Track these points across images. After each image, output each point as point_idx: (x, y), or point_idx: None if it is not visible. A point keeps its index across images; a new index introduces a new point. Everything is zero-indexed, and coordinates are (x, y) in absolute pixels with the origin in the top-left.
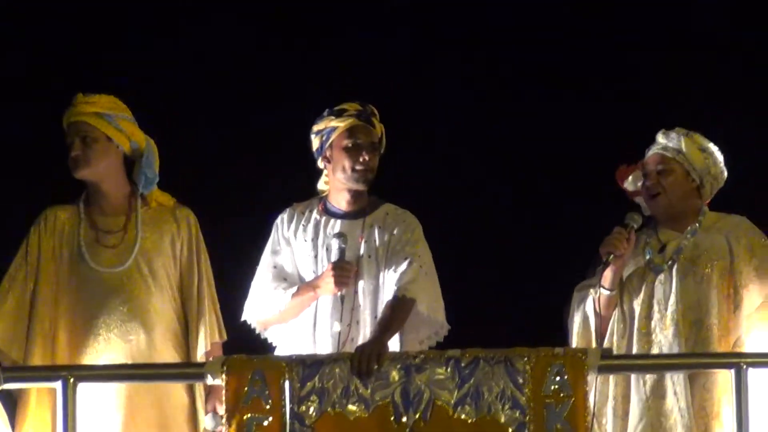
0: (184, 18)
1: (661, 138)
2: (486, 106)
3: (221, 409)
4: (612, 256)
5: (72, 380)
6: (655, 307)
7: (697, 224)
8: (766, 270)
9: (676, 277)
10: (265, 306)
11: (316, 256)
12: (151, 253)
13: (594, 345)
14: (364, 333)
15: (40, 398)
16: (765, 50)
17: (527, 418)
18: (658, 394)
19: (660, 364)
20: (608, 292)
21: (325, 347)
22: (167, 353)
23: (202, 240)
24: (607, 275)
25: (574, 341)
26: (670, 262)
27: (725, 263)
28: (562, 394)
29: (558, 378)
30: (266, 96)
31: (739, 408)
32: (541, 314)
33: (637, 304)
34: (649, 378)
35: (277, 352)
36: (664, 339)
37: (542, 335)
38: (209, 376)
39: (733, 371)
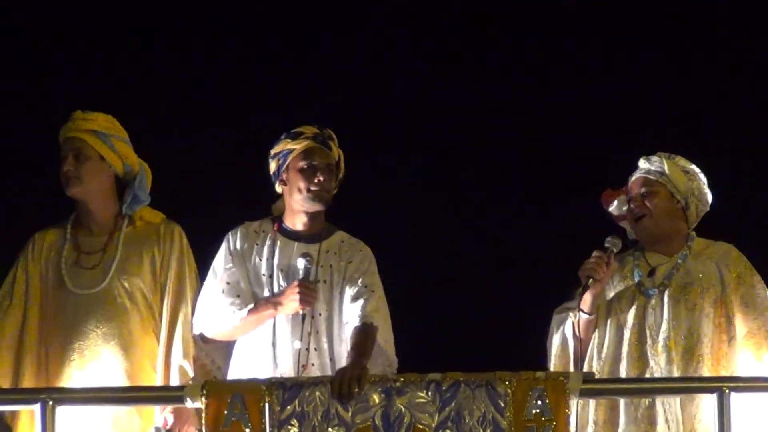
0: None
1: (643, 163)
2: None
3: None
4: (591, 280)
5: (51, 403)
6: (647, 332)
7: (687, 250)
8: (751, 300)
9: (668, 303)
10: (216, 321)
11: (271, 276)
12: (130, 273)
13: (572, 367)
14: (323, 359)
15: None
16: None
17: None
18: (649, 421)
19: (641, 389)
20: (587, 316)
21: (285, 366)
22: (145, 376)
23: (188, 253)
24: (586, 299)
25: (553, 363)
26: (661, 287)
27: (717, 292)
28: (543, 418)
29: (539, 402)
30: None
31: None
32: (520, 339)
33: (627, 328)
34: (642, 404)
35: (233, 373)
36: (656, 365)
37: (523, 360)
38: (188, 399)
39: (715, 395)
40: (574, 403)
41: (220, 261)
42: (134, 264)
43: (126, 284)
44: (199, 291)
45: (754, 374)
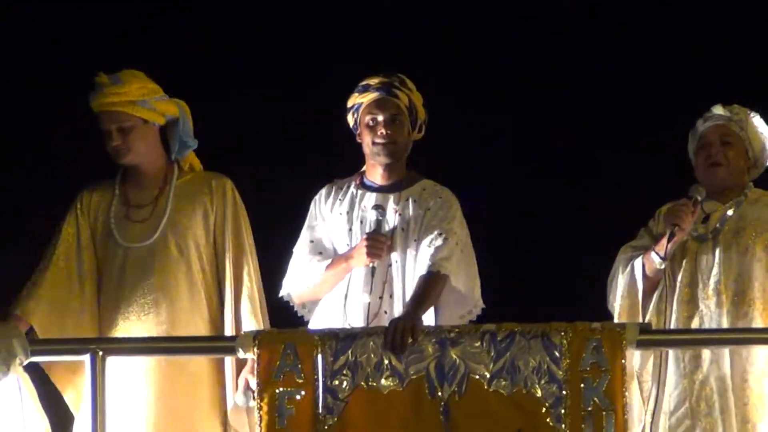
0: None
1: (722, 111)
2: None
3: (253, 384)
4: (677, 227)
5: (101, 353)
6: (699, 277)
7: (743, 197)
8: None
9: (720, 247)
10: (300, 279)
11: (350, 229)
12: (181, 226)
13: (640, 308)
14: (396, 306)
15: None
16: None
17: (564, 392)
18: (695, 362)
19: (698, 339)
20: (662, 261)
21: (356, 319)
22: (194, 328)
23: (241, 208)
24: (663, 244)
25: (618, 303)
26: (713, 232)
27: None
28: (600, 369)
29: (596, 353)
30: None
31: None
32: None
33: (680, 272)
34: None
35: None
36: (705, 309)
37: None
38: (240, 350)
39: None
40: (631, 355)
41: (307, 221)
42: (186, 216)
43: (177, 237)
44: (253, 246)
45: None
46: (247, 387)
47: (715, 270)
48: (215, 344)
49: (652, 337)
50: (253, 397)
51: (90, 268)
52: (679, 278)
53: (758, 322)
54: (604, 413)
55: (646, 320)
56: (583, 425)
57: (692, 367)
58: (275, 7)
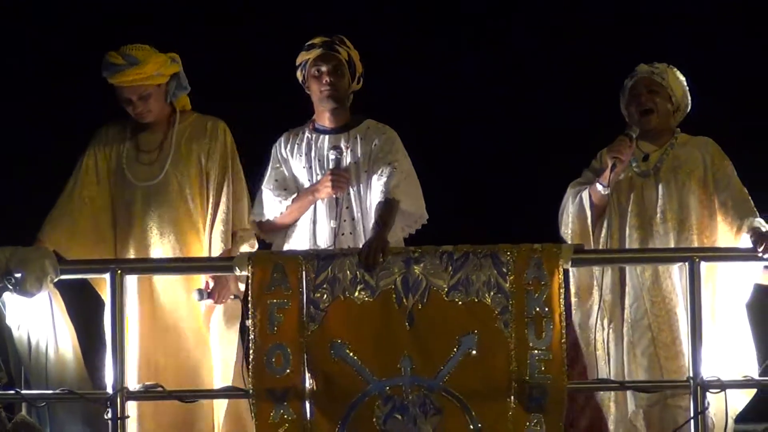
0: None
1: (645, 67)
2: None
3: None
4: (617, 159)
5: (119, 272)
6: (646, 206)
7: (674, 140)
8: (722, 178)
9: (662, 183)
10: (269, 211)
11: (310, 168)
12: (181, 165)
13: (590, 232)
14: (357, 228)
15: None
16: None
17: (510, 302)
18: (654, 278)
19: (623, 258)
20: (606, 188)
21: (322, 241)
22: (194, 252)
23: (232, 146)
24: (607, 175)
25: (571, 230)
26: (654, 170)
27: (700, 173)
28: (540, 283)
29: (536, 269)
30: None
31: (693, 298)
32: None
33: (629, 203)
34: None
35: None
36: (656, 233)
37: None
38: (237, 268)
39: (686, 264)
40: (564, 270)
41: (270, 163)
42: (185, 157)
43: (178, 175)
44: (242, 181)
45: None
46: (206, 287)
47: (660, 201)
48: (216, 264)
49: (583, 256)
50: (204, 296)
51: (105, 198)
52: (630, 208)
53: (695, 244)
54: (544, 320)
55: (600, 246)
56: (526, 330)
57: (650, 283)
58: None
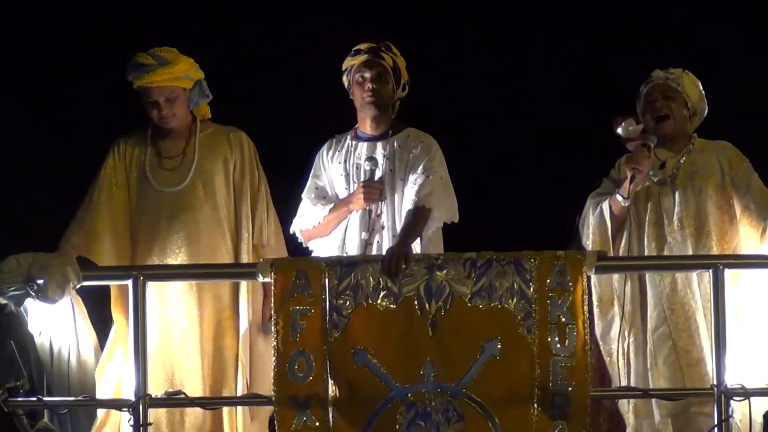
0: None
1: (660, 74)
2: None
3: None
4: (636, 170)
5: (141, 279)
6: (663, 215)
7: (691, 146)
8: (742, 182)
9: (679, 190)
10: (308, 220)
11: (347, 175)
12: (206, 173)
13: (610, 243)
14: (386, 236)
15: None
16: None
17: (533, 308)
18: (672, 286)
19: (647, 264)
20: (626, 200)
21: (351, 251)
22: (219, 257)
23: (256, 160)
24: (626, 187)
25: (591, 240)
26: (671, 177)
27: (717, 178)
28: (563, 290)
29: (560, 275)
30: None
31: (716, 305)
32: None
33: (646, 212)
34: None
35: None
36: (673, 241)
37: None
38: (260, 275)
39: (710, 271)
40: (588, 277)
41: (312, 170)
42: (210, 164)
43: (203, 182)
44: (267, 192)
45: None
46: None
47: (677, 208)
48: (238, 270)
49: (607, 263)
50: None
51: (123, 206)
52: (647, 218)
53: (714, 251)
54: (567, 326)
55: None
56: (549, 336)
57: (669, 291)
58: None
